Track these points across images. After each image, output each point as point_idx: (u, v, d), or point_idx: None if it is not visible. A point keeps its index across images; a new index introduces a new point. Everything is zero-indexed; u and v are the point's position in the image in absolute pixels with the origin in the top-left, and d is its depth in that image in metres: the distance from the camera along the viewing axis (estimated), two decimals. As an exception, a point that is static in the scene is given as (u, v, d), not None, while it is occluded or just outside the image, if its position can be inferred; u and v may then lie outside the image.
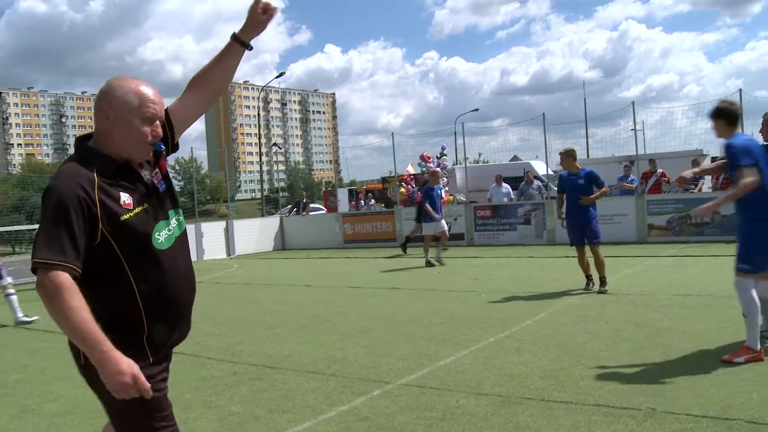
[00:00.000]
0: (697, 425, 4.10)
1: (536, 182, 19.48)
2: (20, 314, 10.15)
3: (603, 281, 9.50)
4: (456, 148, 22.75)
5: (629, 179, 18.11)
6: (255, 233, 23.13)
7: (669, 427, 4.09)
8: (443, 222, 14.85)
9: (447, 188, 24.21)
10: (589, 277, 9.72)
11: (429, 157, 24.78)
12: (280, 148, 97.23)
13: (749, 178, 5.35)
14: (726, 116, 5.73)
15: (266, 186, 65.62)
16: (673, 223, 16.36)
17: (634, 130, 19.44)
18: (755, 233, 5.53)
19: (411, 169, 29.27)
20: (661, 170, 17.61)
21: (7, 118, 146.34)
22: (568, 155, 9.89)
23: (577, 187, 9.68)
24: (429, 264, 14.24)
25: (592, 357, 5.87)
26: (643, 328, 6.93)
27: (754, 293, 5.45)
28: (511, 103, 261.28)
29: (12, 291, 10.34)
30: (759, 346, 5.40)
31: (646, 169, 17.78)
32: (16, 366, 7.30)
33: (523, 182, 19.57)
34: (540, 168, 25.04)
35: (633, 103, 18.54)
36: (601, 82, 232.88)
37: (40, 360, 7.55)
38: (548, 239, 17.64)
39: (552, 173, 22.76)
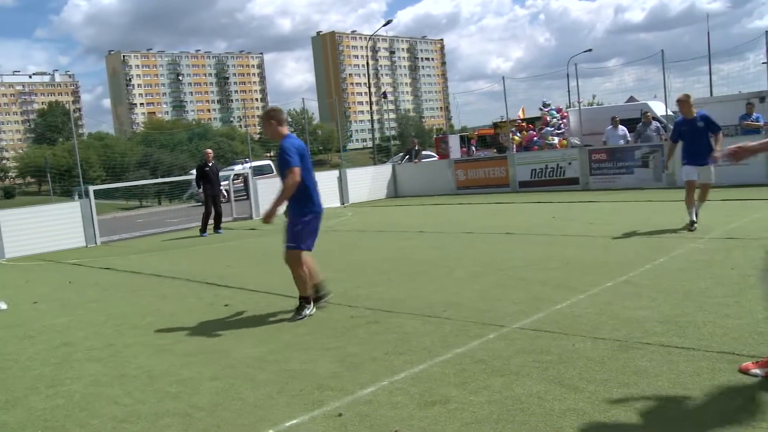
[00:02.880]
0: (831, 372, 3.92)
1: (654, 123, 18.68)
2: None
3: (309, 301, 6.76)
4: (569, 91, 22.15)
5: (753, 117, 17.08)
6: (368, 181, 23.39)
7: (799, 374, 3.94)
8: (709, 169, 9.97)
9: (563, 131, 23.72)
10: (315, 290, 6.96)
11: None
12: (387, 97, 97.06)
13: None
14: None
15: (377, 134, 66.03)
16: (807, 163, 15.39)
17: (766, 63, 18.25)
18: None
19: (522, 114, 28.76)
20: (794, 106, 16.51)
21: (130, 80, 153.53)
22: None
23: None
24: (692, 224, 9.75)
25: (716, 303, 5.67)
26: (772, 272, 6.62)
27: None
28: (627, 41, 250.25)
29: None
30: None
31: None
32: (150, 309, 7.76)
33: (641, 123, 18.82)
34: (658, 108, 24.06)
35: (766, 32, 17.30)
36: (727, 13, 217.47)
37: (169, 305, 7.99)
38: (668, 182, 16.98)
39: (672, 114, 21.74)
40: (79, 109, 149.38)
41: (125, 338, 6.46)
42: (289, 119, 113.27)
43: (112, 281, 10.27)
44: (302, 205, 6.54)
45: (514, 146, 24.07)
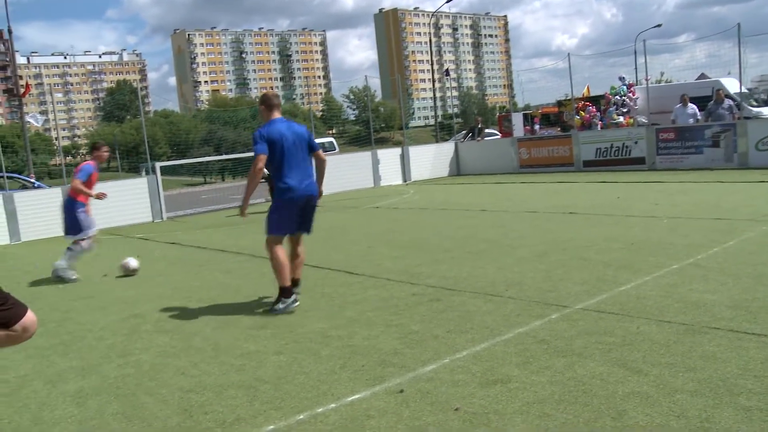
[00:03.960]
0: None
1: (727, 101, 18.09)
2: (70, 273, 9.08)
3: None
4: (636, 68, 21.49)
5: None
6: (430, 159, 23.32)
7: None
8: None
9: (628, 110, 23.26)
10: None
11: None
12: (449, 75, 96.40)
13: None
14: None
15: (439, 112, 65.66)
16: None
17: None
18: None
19: (587, 92, 28.22)
20: None
21: (194, 58, 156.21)
22: None
23: None
24: None
25: (789, 287, 5.51)
26: None
27: None
28: (698, 15, 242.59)
29: (81, 246, 9.15)
30: None
31: None
32: (215, 284, 7.94)
33: (712, 102, 18.26)
34: (732, 86, 23.28)
35: None
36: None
37: (234, 279, 8.15)
38: (739, 162, 16.48)
39: (746, 91, 20.99)
40: (146, 87, 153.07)
41: (192, 311, 6.63)
42: (351, 96, 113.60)
43: (178, 256, 10.53)
44: (276, 192, 6.35)
45: (590, 125, 23.71)
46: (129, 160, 63.45)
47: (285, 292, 6.22)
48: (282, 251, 6.29)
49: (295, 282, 6.53)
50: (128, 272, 9.02)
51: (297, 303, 6.27)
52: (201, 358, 5.06)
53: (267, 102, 6.48)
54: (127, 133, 77.09)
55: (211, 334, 5.72)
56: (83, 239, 9.10)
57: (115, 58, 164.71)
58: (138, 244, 12.47)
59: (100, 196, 9.11)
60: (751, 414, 3.35)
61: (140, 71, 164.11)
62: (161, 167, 17.50)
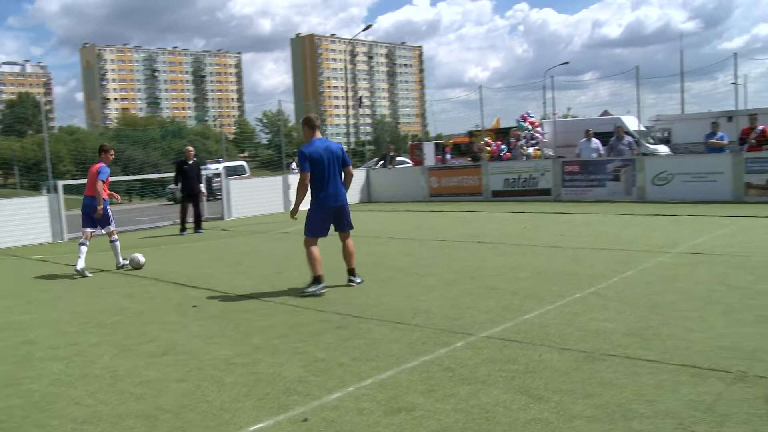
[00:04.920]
0: (790, 389, 3.98)
1: (627, 138, 18.91)
2: (121, 259, 10.89)
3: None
4: (544, 102, 22.33)
5: (717, 136, 17.36)
6: (341, 185, 23.26)
7: (760, 391, 3.99)
8: None
9: (536, 142, 23.94)
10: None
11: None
12: (361, 104, 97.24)
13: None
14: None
15: (353, 139, 66.03)
16: (773, 182, 15.62)
17: (735, 83, 18.59)
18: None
19: (497, 124, 28.96)
20: (761, 126, 16.72)
21: (104, 74, 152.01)
22: None
23: None
24: None
25: (681, 317, 5.75)
26: (736, 290, 6.72)
27: None
28: (602, 56, 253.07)
29: (116, 237, 11.01)
30: None
31: (745, 126, 16.94)
32: (116, 308, 7.67)
33: (614, 138, 19.03)
34: (631, 123, 24.39)
35: (735, 54, 17.81)
36: (699, 34, 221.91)
37: (136, 304, 7.91)
38: (638, 196, 17.20)
39: (644, 128, 21.89)
40: (51, 102, 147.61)
41: (90, 337, 6.37)
42: (264, 120, 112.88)
43: (78, 278, 10.14)
44: (313, 200, 7.70)
45: (499, 156, 24.31)
46: (29, 177, 60.75)
47: (316, 280, 7.57)
48: (315, 249, 7.71)
49: (351, 271, 8.02)
50: (138, 267, 10.46)
51: (325, 290, 7.59)
52: (98, 386, 4.86)
53: (310, 123, 7.82)
54: (28, 149, 73.95)
55: (109, 361, 5.51)
56: (112, 231, 10.80)
57: (17, 68, 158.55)
58: (35, 265, 11.95)
59: (118, 199, 11.68)
60: (644, 441, 3.46)
61: (45, 84, 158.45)
62: (64, 186, 16.88)
